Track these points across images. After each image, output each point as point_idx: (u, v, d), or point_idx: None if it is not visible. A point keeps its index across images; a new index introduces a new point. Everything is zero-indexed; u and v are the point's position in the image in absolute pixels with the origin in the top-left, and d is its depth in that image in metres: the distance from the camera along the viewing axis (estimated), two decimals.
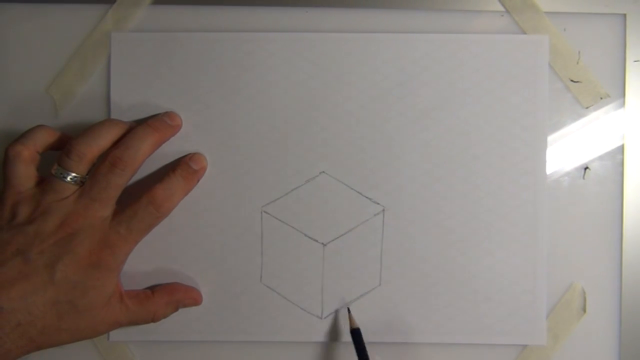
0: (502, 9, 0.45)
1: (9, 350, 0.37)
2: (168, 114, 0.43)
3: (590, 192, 0.45)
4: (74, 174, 0.40)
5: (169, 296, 0.43)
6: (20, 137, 0.41)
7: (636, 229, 0.45)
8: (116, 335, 0.44)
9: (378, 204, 0.44)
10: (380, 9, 0.44)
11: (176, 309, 0.43)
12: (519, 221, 0.44)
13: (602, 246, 0.45)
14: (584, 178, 0.45)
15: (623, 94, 0.45)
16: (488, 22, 0.45)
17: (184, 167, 0.42)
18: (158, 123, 0.42)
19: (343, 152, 0.44)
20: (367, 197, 0.44)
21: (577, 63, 0.44)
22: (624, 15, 0.44)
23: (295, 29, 0.44)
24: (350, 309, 0.44)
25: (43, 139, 0.41)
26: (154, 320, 0.42)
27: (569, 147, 0.45)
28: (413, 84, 0.44)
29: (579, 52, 0.44)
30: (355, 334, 0.43)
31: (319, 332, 0.44)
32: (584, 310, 0.45)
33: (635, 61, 0.45)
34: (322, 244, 0.44)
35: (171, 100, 0.44)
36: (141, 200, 0.40)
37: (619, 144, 0.45)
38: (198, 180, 0.43)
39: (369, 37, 0.44)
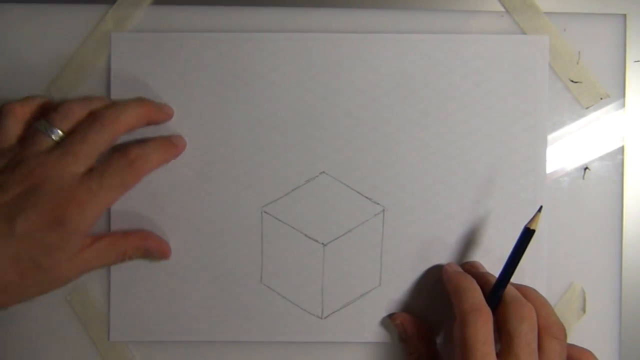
0: (502, 9, 0.45)
1: None
2: (162, 103, 0.43)
3: (590, 192, 0.45)
4: (57, 129, 0.39)
5: (140, 241, 0.42)
6: (22, 98, 0.41)
7: (636, 229, 0.45)
8: (116, 335, 0.44)
9: (378, 204, 0.44)
10: (380, 9, 0.44)
11: (144, 256, 0.43)
12: (519, 221, 0.44)
13: (602, 246, 0.45)
14: (584, 178, 0.45)
15: (623, 94, 0.45)
16: (488, 22, 0.45)
17: (163, 138, 0.42)
18: (148, 101, 0.42)
19: (343, 152, 0.44)
20: (367, 197, 0.44)
21: (577, 63, 0.44)
22: (624, 15, 0.44)
23: (295, 29, 0.44)
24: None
25: (40, 104, 0.41)
26: (123, 259, 0.41)
27: (569, 148, 0.45)
28: (413, 84, 0.44)
29: (579, 52, 0.44)
30: (528, 233, 0.40)
31: (319, 332, 0.44)
32: (584, 310, 0.45)
33: (636, 61, 0.45)
34: (322, 244, 0.44)
35: (171, 100, 0.44)
36: (114, 155, 0.39)
37: (619, 144, 0.45)
38: (175, 156, 0.43)
39: (369, 37, 0.44)
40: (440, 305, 0.44)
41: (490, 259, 0.44)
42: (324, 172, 0.44)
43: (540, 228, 0.44)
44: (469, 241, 0.44)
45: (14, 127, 0.40)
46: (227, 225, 0.44)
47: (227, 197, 0.44)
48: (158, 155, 0.41)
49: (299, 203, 0.44)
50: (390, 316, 0.44)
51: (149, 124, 0.42)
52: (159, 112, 0.43)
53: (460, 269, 0.42)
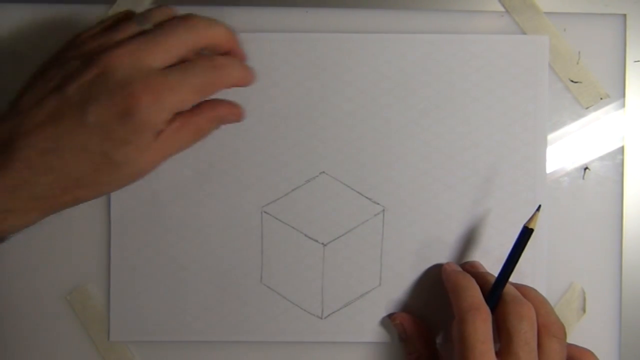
0: (502, 9, 0.45)
1: (44, 197, 0.35)
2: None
3: (590, 192, 0.45)
4: (149, 23, 0.37)
5: (210, 111, 0.39)
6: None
7: (636, 229, 0.45)
8: (116, 335, 0.44)
9: (378, 204, 0.44)
10: (380, 9, 0.44)
11: (219, 125, 0.40)
12: (519, 221, 0.44)
13: (602, 246, 0.45)
14: (584, 178, 0.45)
15: (623, 94, 0.45)
16: (488, 22, 0.45)
17: (242, 62, 0.40)
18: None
19: (343, 152, 0.44)
20: (367, 197, 0.44)
21: (577, 63, 0.44)
22: (624, 15, 0.44)
23: (295, 29, 0.44)
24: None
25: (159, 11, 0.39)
26: (201, 137, 0.39)
27: (569, 148, 0.45)
28: (413, 84, 0.44)
29: (579, 52, 0.44)
30: (526, 233, 0.40)
31: (319, 332, 0.44)
32: (584, 310, 0.45)
33: (635, 61, 0.45)
34: (322, 244, 0.44)
35: None
36: (200, 57, 0.37)
37: (619, 144, 0.45)
38: (249, 84, 0.40)
39: (369, 37, 0.44)
40: (440, 305, 0.44)
41: (490, 258, 0.44)
42: (324, 172, 0.44)
43: (540, 228, 0.44)
44: (469, 241, 0.44)
45: (124, 18, 0.38)
46: (227, 225, 0.44)
47: (227, 197, 0.44)
48: (240, 72, 0.39)
49: (299, 203, 0.44)
50: (390, 316, 0.44)
51: (229, 50, 0.39)
52: (241, 48, 0.40)
53: (459, 268, 0.42)
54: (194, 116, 0.38)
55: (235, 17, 0.45)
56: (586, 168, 0.45)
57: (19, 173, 0.34)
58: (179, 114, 0.37)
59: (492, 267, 0.43)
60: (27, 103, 0.35)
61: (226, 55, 0.39)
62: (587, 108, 0.45)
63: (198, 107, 0.38)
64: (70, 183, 0.35)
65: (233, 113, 0.41)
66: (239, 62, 0.40)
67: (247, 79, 0.40)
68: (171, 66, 0.36)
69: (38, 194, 0.35)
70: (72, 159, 0.35)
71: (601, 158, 0.45)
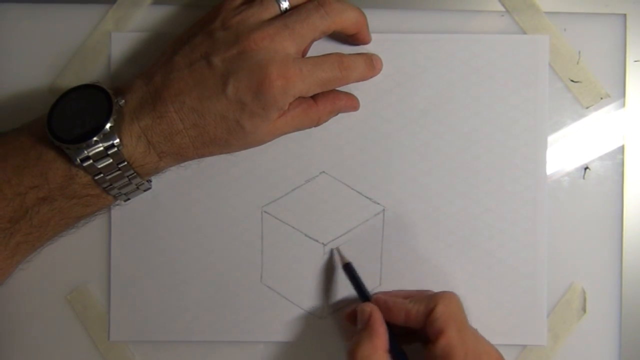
0: (502, 9, 0.45)
1: (187, 147, 0.40)
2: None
3: (591, 192, 0.45)
4: (288, 3, 0.40)
5: (331, 104, 0.43)
6: None
7: (636, 229, 0.45)
8: (116, 335, 0.44)
9: (378, 204, 0.44)
10: (380, 9, 0.44)
11: (336, 115, 0.44)
12: (519, 221, 0.44)
13: (602, 246, 0.45)
14: (584, 178, 0.45)
15: (623, 94, 0.45)
16: (488, 22, 0.45)
17: (367, 55, 0.43)
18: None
19: (343, 152, 0.44)
20: (367, 197, 0.44)
21: (577, 63, 0.44)
22: (624, 15, 0.44)
23: None
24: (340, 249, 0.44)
25: None
26: (317, 125, 0.43)
27: (569, 147, 0.45)
28: (413, 84, 0.44)
29: (579, 52, 0.44)
30: (348, 268, 0.43)
31: (319, 332, 0.44)
32: (584, 310, 0.45)
33: (635, 61, 0.45)
34: (322, 244, 0.44)
35: None
36: (331, 55, 0.41)
37: (619, 144, 0.45)
38: (372, 76, 0.44)
39: None
40: None
41: (490, 259, 0.44)
42: (324, 172, 0.44)
43: (540, 228, 0.44)
44: (469, 241, 0.44)
45: None
46: (227, 225, 0.44)
47: (227, 197, 0.44)
48: (362, 69, 0.42)
49: (299, 203, 0.44)
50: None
51: (354, 36, 0.43)
52: (367, 32, 0.43)
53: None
54: (316, 106, 0.42)
55: None
56: (586, 168, 0.45)
57: (174, 123, 0.39)
58: (302, 99, 0.41)
59: (493, 267, 0.43)
60: (180, 63, 0.39)
61: (351, 55, 0.42)
62: (587, 108, 0.45)
63: (322, 97, 0.42)
64: (208, 140, 0.40)
65: (351, 105, 0.44)
66: (364, 60, 0.42)
67: (368, 75, 0.43)
68: (303, 52, 0.41)
69: (185, 143, 0.39)
70: (211, 121, 0.39)
71: (601, 158, 0.45)
